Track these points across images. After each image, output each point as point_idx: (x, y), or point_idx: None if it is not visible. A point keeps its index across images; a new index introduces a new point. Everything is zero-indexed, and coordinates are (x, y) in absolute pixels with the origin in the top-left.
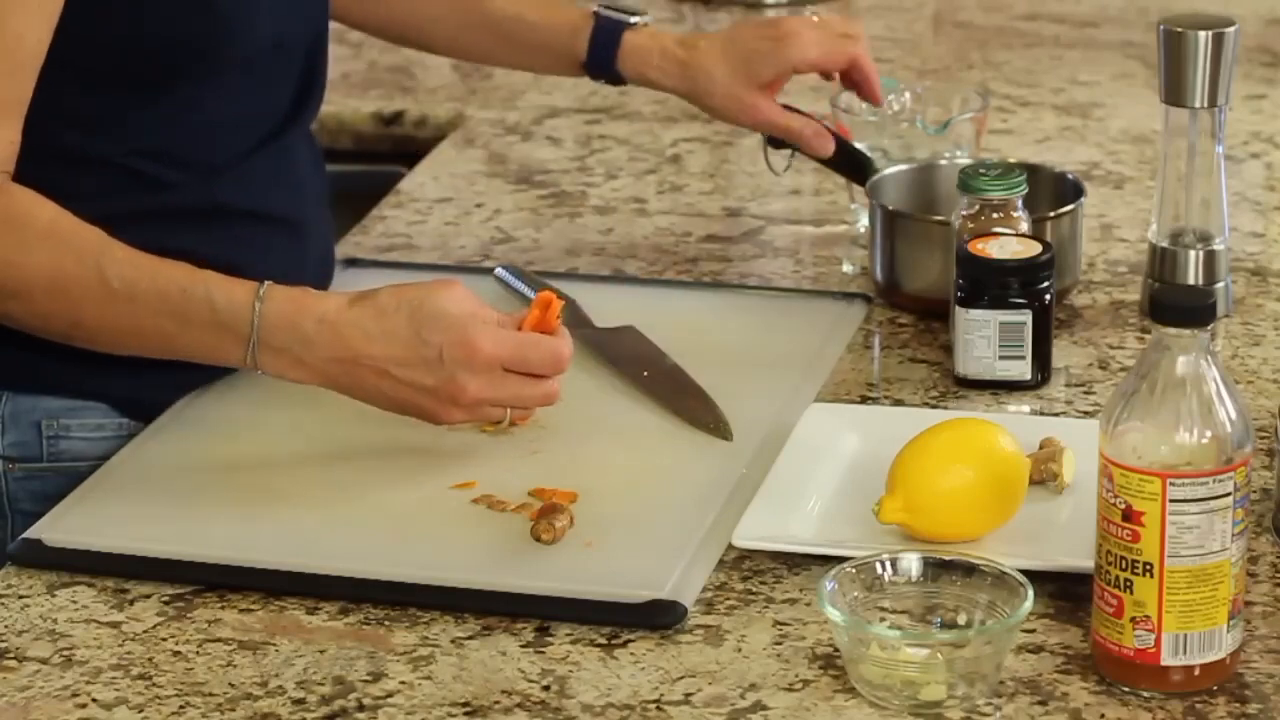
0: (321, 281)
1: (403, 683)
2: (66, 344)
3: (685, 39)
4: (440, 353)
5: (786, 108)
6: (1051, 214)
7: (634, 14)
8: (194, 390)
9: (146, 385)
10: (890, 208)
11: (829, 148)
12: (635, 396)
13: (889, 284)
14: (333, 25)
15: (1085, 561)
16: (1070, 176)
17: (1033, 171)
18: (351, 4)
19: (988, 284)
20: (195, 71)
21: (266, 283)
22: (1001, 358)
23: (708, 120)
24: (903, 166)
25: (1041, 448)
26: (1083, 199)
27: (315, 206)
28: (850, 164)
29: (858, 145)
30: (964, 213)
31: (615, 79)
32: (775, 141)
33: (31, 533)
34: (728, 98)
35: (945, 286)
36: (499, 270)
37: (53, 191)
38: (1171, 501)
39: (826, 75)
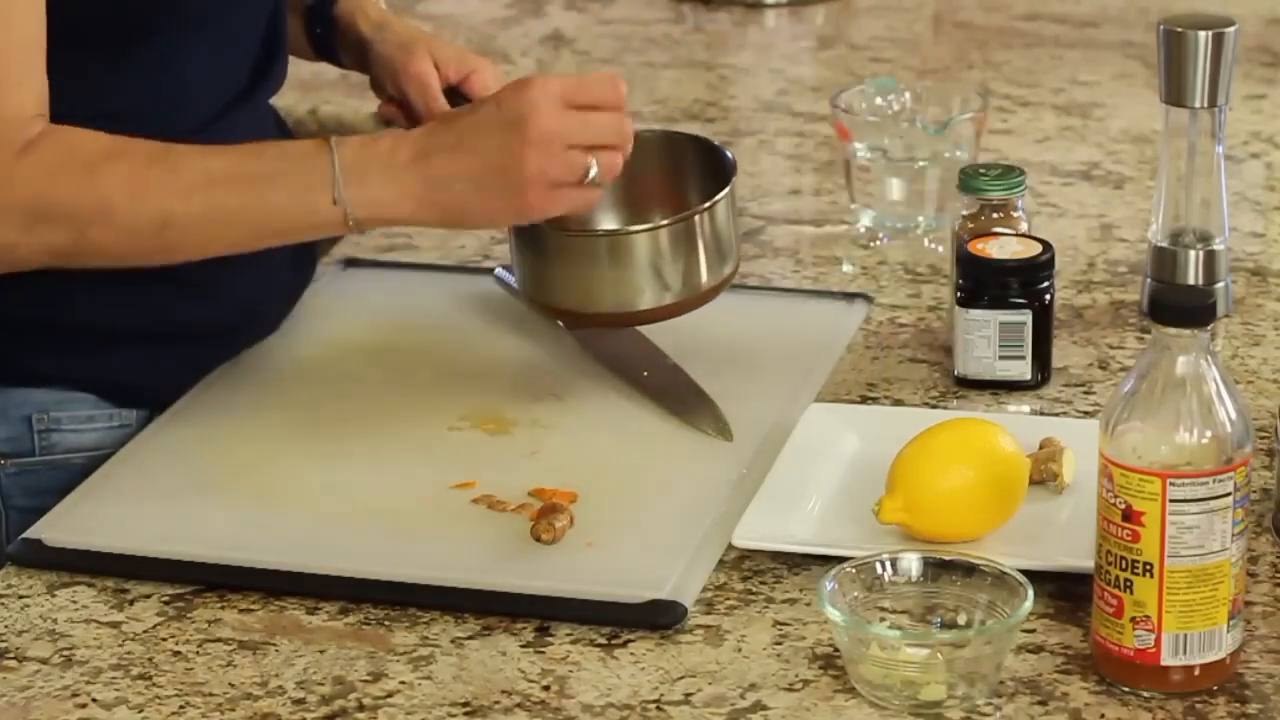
0: (300, 255)
1: (403, 683)
2: (155, 261)
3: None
4: (499, 103)
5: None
6: (704, 205)
7: None
8: (180, 375)
9: (133, 371)
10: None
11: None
12: (635, 397)
13: (541, 300)
14: None
15: (1085, 561)
16: (728, 154)
17: (676, 141)
18: None
19: (988, 284)
20: (157, 27)
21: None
22: (1001, 358)
23: (708, 120)
24: None
25: (1041, 448)
26: (734, 181)
27: None
28: None
29: None
30: (964, 213)
31: (326, 25)
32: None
33: (31, 532)
34: (402, 47)
35: (604, 296)
36: (499, 270)
37: None
38: (1171, 501)
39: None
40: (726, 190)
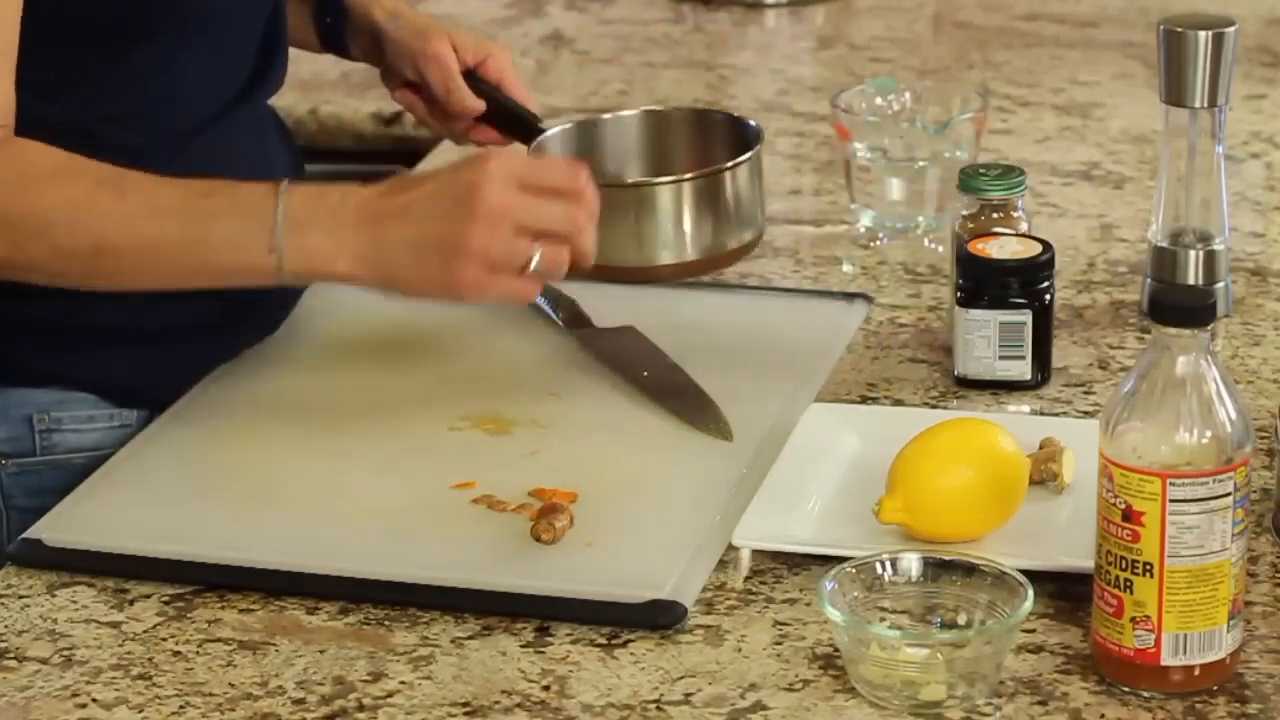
0: None
1: (403, 683)
2: (86, 286)
3: None
4: (454, 172)
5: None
6: (729, 164)
7: None
8: (180, 376)
9: (134, 371)
10: None
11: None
12: (635, 397)
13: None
14: None
15: (1085, 561)
16: (752, 124)
17: (707, 116)
18: None
19: (988, 284)
20: (155, 28)
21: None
22: (1001, 358)
23: None
24: (565, 125)
25: (1041, 448)
26: (759, 146)
27: (292, 173)
28: (511, 124)
29: (527, 107)
30: (964, 213)
31: (337, 13)
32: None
33: (31, 532)
34: (418, 34)
35: (627, 250)
36: None
37: None
38: (1171, 501)
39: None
40: (750, 154)
